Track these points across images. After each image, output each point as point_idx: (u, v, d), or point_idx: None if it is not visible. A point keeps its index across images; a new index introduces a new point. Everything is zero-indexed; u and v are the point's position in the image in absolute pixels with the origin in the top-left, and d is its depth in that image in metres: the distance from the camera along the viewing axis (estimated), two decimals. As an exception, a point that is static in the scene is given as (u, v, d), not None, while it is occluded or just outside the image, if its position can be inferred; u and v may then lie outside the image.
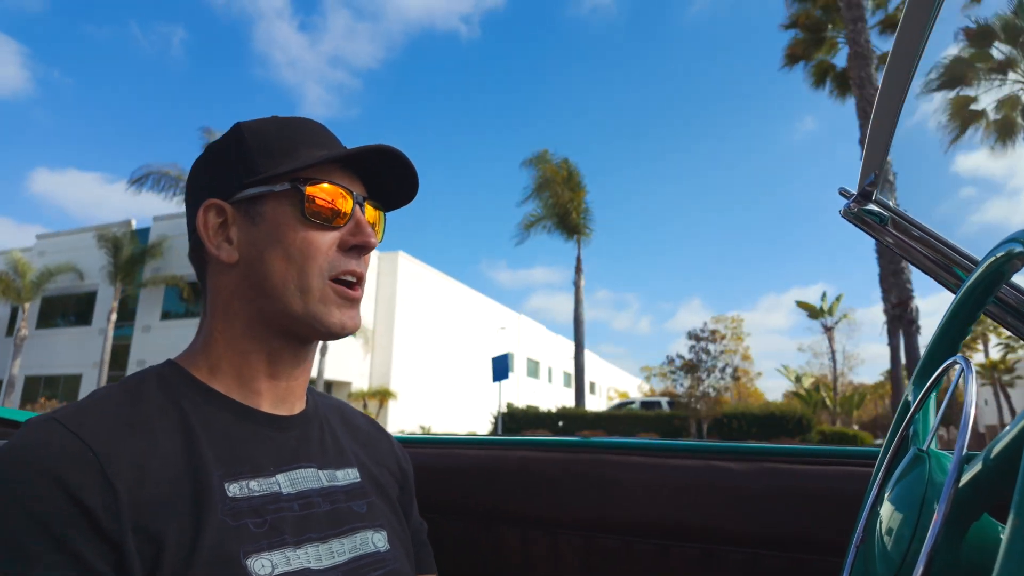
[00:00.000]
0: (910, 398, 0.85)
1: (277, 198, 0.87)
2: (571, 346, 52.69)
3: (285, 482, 0.84)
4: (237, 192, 0.88)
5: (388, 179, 0.97)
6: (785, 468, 1.28)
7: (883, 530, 0.67)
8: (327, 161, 0.88)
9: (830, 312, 39.53)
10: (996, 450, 0.50)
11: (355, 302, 0.91)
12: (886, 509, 0.68)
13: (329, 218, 0.88)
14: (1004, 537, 0.36)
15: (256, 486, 0.81)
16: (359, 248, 0.90)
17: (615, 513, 1.39)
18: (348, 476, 0.95)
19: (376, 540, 0.91)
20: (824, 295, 39.70)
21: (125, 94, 77.22)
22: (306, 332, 0.89)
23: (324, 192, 0.88)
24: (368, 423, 1.15)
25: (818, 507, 1.22)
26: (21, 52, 79.67)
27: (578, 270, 25.49)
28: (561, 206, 24.36)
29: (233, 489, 0.78)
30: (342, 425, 1.06)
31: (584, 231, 25.76)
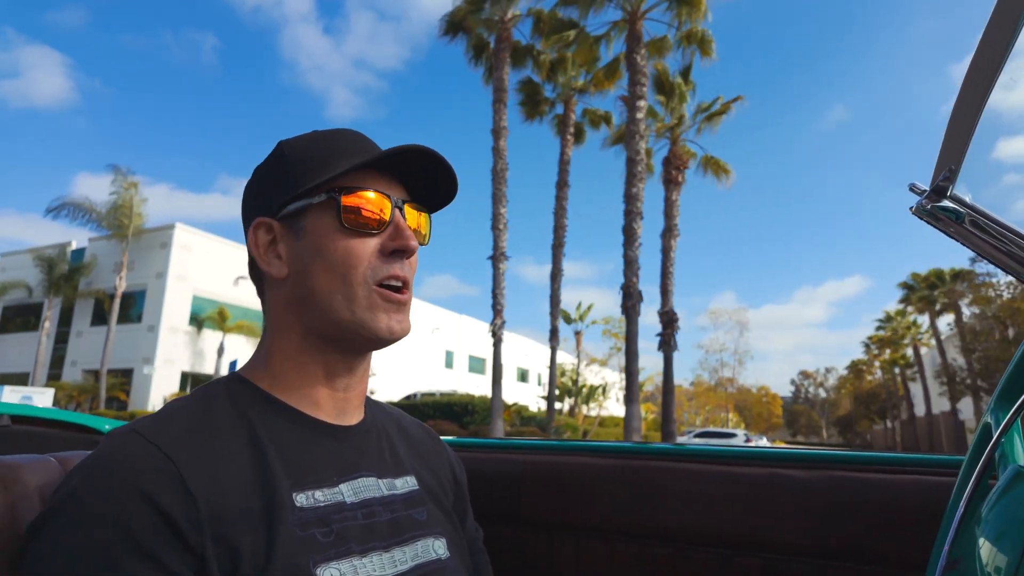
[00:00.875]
0: (990, 420, 0.81)
1: (317, 210, 0.88)
2: (529, 343, 53.26)
3: (348, 491, 0.85)
4: (281, 208, 0.90)
5: (428, 180, 0.96)
6: (853, 476, 1.23)
7: (983, 553, 0.62)
8: (359, 167, 0.88)
9: (581, 319, 46.14)
10: None
11: (402, 306, 0.90)
12: (985, 531, 0.64)
13: (367, 225, 0.88)
14: None
15: (321, 496, 0.82)
16: (400, 252, 0.90)
17: (672, 521, 1.34)
18: (407, 484, 0.96)
19: (436, 547, 0.92)
20: (579, 304, 46.81)
21: (161, 100, 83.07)
22: (355, 340, 0.89)
23: (360, 199, 0.87)
24: (424, 432, 1.14)
25: (888, 518, 1.17)
26: (65, 63, 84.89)
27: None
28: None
29: (300, 499, 0.79)
30: (399, 434, 1.06)
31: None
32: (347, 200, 0.87)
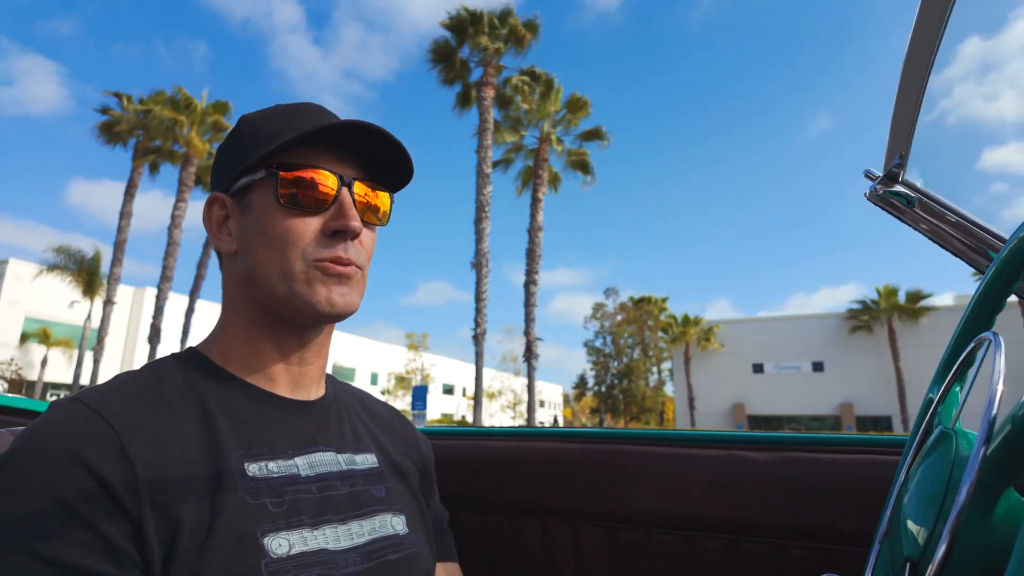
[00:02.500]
0: (932, 395, 0.84)
1: (260, 186, 0.85)
2: (404, 352, 53.77)
3: (304, 465, 0.84)
4: (232, 184, 0.88)
5: (383, 159, 0.92)
6: (809, 457, 1.25)
7: (908, 511, 0.64)
8: (298, 144, 0.84)
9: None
10: (1020, 419, 0.48)
11: (344, 279, 0.86)
12: (911, 490, 0.66)
13: (307, 203, 0.84)
14: None
15: (275, 467, 0.80)
16: (342, 233, 0.86)
17: (637, 504, 1.34)
18: (367, 461, 0.94)
19: (395, 523, 0.90)
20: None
21: None
22: (294, 314, 0.86)
23: (300, 176, 0.84)
24: (389, 411, 1.12)
25: (843, 496, 1.19)
26: (58, 71, 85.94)
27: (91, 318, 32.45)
28: (83, 275, 32.12)
29: (252, 469, 0.78)
30: (362, 412, 1.04)
31: (100, 292, 32.36)
32: (285, 176, 0.83)
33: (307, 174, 0.84)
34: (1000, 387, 0.53)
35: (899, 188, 1.17)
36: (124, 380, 0.79)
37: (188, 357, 0.87)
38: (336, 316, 0.86)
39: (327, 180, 0.85)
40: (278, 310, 0.86)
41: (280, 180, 0.83)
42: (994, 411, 0.51)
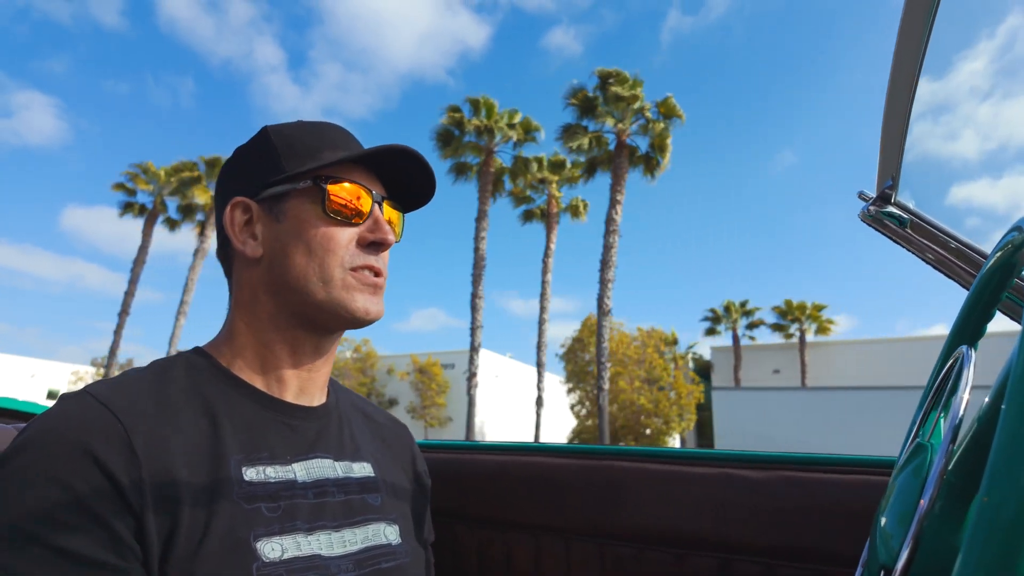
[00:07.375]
0: (916, 416, 0.84)
1: (300, 196, 0.90)
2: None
3: (301, 471, 0.86)
4: (262, 190, 0.91)
5: (406, 181, 1.00)
6: (803, 476, 1.24)
7: (883, 522, 0.64)
8: (348, 160, 0.91)
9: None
10: (979, 426, 0.48)
11: (378, 289, 0.93)
12: (887, 501, 0.66)
13: (348, 215, 0.90)
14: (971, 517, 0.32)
15: (272, 472, 0.82)
16: (376, 244, 0.93)
17: (629, 521, 1.33)
18: (364, 469, 0.96)
19: (388, 533, 0.93)
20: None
21: (145, 138, 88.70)
22: (329, 320, 0.90)
23: (344, 190, 0.90)
24: (391, 421, 1.15)
25: (836, 517, 1.18)
26: (55, 105, 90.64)
27: None
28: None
29: (250, 474, 0.79)
30: (363, 421, 1.07)
31: None
32: (332, 189, 0.89)
33: (349, 189, 0.90)
34: (966, 396, 0.54)
35: (892, 209, 1.18)
36: (131, 378, 0.81)
37: (195, 357, 0.89)
38: (369, 322, 0.91)
39: (365, 196, 0.92)
40: (311, 315, 0.89)
41: (327, 193, 0.89)
42: (959, 415, 0.52)
